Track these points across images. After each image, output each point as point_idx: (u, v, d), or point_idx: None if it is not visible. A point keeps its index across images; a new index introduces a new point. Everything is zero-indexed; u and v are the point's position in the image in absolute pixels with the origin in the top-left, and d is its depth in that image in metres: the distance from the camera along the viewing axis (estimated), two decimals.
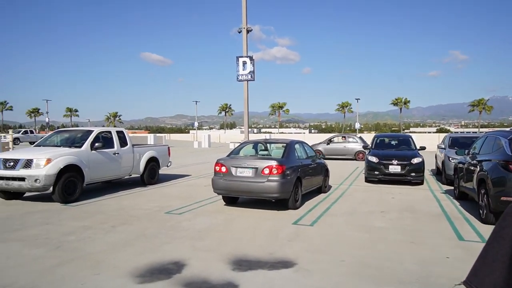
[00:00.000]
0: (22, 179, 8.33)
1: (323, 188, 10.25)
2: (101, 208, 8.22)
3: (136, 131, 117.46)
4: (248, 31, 15.16)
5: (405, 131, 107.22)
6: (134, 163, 11.14)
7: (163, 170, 13.19)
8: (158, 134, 47.03)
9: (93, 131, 10.12)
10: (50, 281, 4.22)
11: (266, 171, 7.54)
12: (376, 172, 11.85)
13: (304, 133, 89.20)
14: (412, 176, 11.51)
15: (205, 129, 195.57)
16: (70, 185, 8.80)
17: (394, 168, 11.57)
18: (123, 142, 10.80)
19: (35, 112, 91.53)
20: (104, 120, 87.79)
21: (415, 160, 11.57)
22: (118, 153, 10.44)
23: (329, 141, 21.61)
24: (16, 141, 34.55)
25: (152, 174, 11.84)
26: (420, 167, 11.55)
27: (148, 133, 76.25)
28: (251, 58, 14.97)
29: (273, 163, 7.59)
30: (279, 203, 8.19)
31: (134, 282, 4.19)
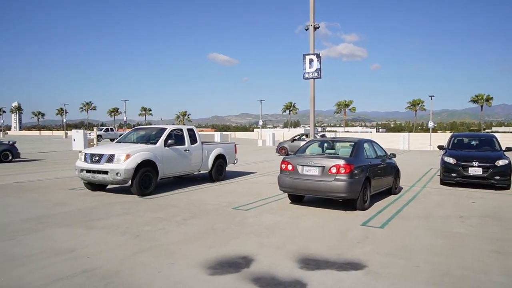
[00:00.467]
0: (105, 172, 9.12)
1: (393, 190, 9.76)
2: (173, 202, 8.69)
3: (203, 129, 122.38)
4: (315, 28, 14.94)
5: (486, 130, 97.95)
6: (203, 160, 11.61)
7: (229, 167, 13.57)
8: (224, 132, 48.53)
9: (166, 128, 10.74)
10: (131, 267, 4.57)
11: (334, 170, 7.38)
12: (454, 174, 10.98)
13: (371, 132, 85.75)
14: (496, 179, 10.47)
15: (269, 127, 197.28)
16: (146, 179, 9.45)
17: (475, 170, 10.61)
18: (193, 139, 11.30)
19: (115, 111, 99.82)
20: (175, 119, 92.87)
21: (500, 162, 10.49)
22: (188, 150, 10.97)
23: (293, 139, 23.92)
24: (99, 137, 37.90)
25: (219, 170, 12.24)
26: (506, 170, 10.45)
27: (215, 131, 79.12)
28: (318, 56, 14.74)
29: (341, 162, 7.41)
30: (347, 203, 7.97)
31: (205, 273, 4.37)
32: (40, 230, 6.21)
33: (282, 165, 8.20)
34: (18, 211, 7.68)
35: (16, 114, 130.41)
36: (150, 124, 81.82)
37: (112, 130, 53.16)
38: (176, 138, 10.64)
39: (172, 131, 10.75)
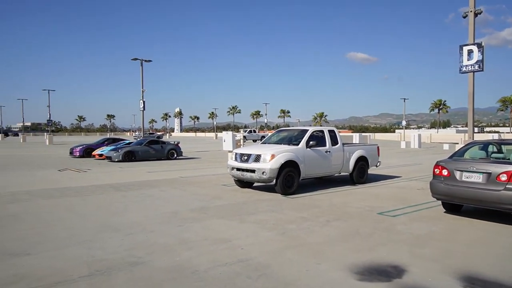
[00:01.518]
0: (253, 171, 9.85)
1: None
2: (315, 203, 8.81)
3: (340, 130, 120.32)
4: (476, 14, 13.00)
5: None
6: (344, 162, 11.42)
7: (371, 170, 13.00)
8: (363, 134, 46.74)
9: (308, 130, 10.96)
10: (281, 262, 4.82)
11: (503, 177, 6.29)
12: None
13: None
14: None
15: (413, 128, 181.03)
16: (289, 179, 9.83)
17: None
18: (334, 141, 11.24)
19: (257, 114, 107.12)
20: (312, 120, 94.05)
21: None
22: (329, 151, 10.95)
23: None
24: (244, 139, 41.21)
25: (361, 173, 11.85)
26: None
27: (352, 132, 76.90)
28: (479, 46, 12.77)
29: None
30: None
31: (354, 278, 4.28)
32: (202, 219, 7.11)
33: (436, 170, 7.41)
34: (184, 202, 8.96)
35: (178, 118, 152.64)
36: (288, 126, 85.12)
37: (254, 131, 57.16)
38: (317, 139, 10.76)
39: (313, 132, 10.91)
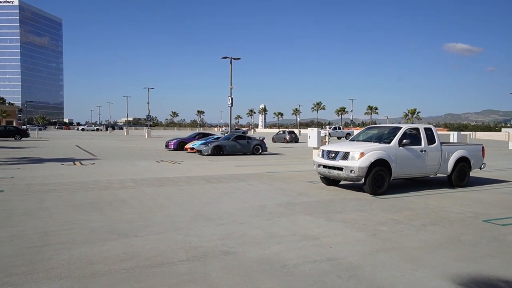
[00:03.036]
0: (340, 168, 9.61)
1: None
2: (407, 205, 8.27)
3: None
4: None
5: None
6: (441, 162, 10.50)
7: (473, 173, 11.76)
8: (462, 132, 42.40)
9: (401, 128, 10.31)
10: (373, 264, 4.63)
11: None
12: None
13: None
14: None
15: None
16: (378, 178, 9.38)
17: None
18: (430, 139, 10.41)
19: (342, 110, 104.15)
20: (402, 117, 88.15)
21: None
22: (425, 151, 10.17)
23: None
24: (328, 136, 40.45)
25: (461, 175, 10.78)
26: None
27: (448, 130, 70.26)
28: None
29: None
30: None
31: None
32: (289, 215, 7.18)
33: None
34: (271, 196, 9.14)
35: (262, 114, 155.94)
36: (375, 123, 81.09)
37: (339, 128, 55.75)
38: (411, 137, 10.07)
39: (407, 130, 10.24)
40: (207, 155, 21.11)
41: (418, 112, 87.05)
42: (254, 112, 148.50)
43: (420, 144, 10.19)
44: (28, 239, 5.45)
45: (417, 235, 5.92)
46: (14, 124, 60.93)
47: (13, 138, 37.63)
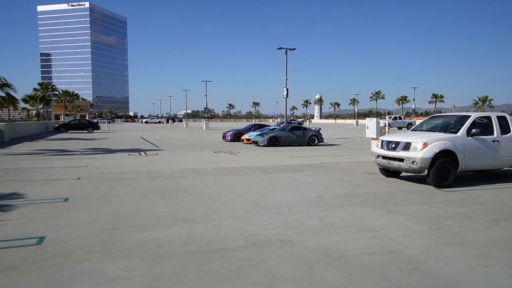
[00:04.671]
0: (401, 159, 9.22)
1: None
2: (477, 198, 7.73)
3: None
4: None
5: None
6: None
7: None
8: None
9: (469, 116, 9.61)
10: (437, 259, 4.43)
11: None
12: None
13: None
14: None
15: None
16: (444, 170, 8.86)
17: None
18: (505, 129, 9.58)
19: (403, 99, 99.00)
20: (471, 106, 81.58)
21: None
22: (497, 141, 9.39)
23: None
24: (388, 126, 38.80)
25: None
26: None
27: None
28: None
29: None
30: None
31: None
32: (347, 206, 7.07)
33: None
34: (328, 187, 9.05)
35: (318, 105, 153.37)
36: (440, 112, 75.87)
37: (400, 118, 53.20)
38: (482, 127, 9.35)
39: (476, 118, 9.51)
40: (262, 146, 21.34)
41: (490, 100, 79.99)
42: (310, 103, 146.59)
43: (492, 134, 9.43)
44: (103, 222, 5.98)
45: (488, 231, 5.54)
46: (87, 118, 66.28)
47: (86, 131, 41.06)
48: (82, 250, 4.69)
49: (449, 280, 3.87)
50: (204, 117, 71.20)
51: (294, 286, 3.73)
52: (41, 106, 49.51)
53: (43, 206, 7.01)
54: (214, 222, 6.00)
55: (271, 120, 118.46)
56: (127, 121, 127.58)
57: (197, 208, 6.90)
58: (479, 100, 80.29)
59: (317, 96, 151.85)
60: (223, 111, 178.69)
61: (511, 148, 9.56)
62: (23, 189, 8.71)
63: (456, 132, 9.28)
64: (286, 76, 31.54)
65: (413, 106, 70.65)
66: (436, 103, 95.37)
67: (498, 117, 9.74)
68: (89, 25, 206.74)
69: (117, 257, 4.48)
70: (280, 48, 31.67)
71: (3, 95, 32.14)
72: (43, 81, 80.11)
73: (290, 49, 31.77)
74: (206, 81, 62.55)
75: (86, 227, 5.68)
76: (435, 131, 9.96)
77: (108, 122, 78.59)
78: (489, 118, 9.67)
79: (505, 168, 10.28)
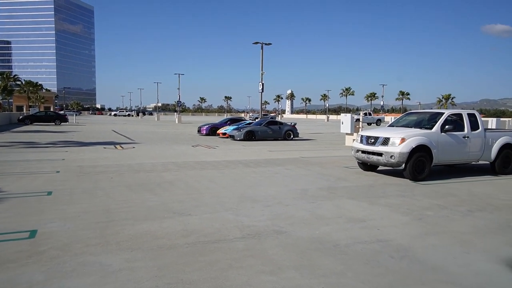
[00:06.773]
0: (380, 154, 9.63)
1: None
2: (450, 191, 8.23)
3: None
4: None
5: None
6: (485, 149, 10.30)
7: None
8: (501, 119, 40.63)
9: (443, 113, 10.16)
10: (423, 246, 4.75)
11: None
12: None
13: None
14: None
15: None
16: (419, 164, 9.35)
17: None
18: (474, 125, 10.20)
19: (372, 96, 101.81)
20: (435, 103, 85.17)
21: None
22: (468, 137, 10.00)
23: None
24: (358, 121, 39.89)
25: (505, 162, 10.54)
26: None
27: (483, 116, 67.30)
28: None
29: None
30: None
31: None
32: (332, 198, 7.34)
33: None
34: (311, 180, 9.31)
35: (290, 100, 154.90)
36: (406, 109, 78.77)
37: (370, 114, 54.82)
38: (454, 123, 9.92)
39: (449, 116, 10.08)
40: (239, 140, 21.44)
41: (452, 98, 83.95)
42: (281, 98, 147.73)
43: (463, 130, 10.02)
44: (94, 215, 5.91)
45: (465, 221, 5.95)
46: (52, 110, 63.64)
47: (53, 123, 39.49)
48: (79, 243, 4.65)
49: (437, 265, 4.18)
50: (176, 111, 70.19)
51: (297, 274, 3.91)
52: (1, 97, 47.06)
53: (27, 200, 6.82)
54: (206, 214, 6.08)
55: (243, 114, 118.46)
56: (95, 114, 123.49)
57: (186, 201, 6.93)
58: (442, 98, 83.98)
59: (289, 91, 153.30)
60: (194, 104, 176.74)
61: (479, 143, 10.20)
62: (1, 182, 8.39)
63: (431, 128, 9.79)
64: (262, 70, 31.69)
65: (382, 103, 72.87)
66: (402, 100, 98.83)
67: (468, 114, 10.35)
68: (53, 12, 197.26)
69: (116, 249, 4.48)
70: (256, 43, 31.75)
71: None
72: (2, 70, 75.99)
73: (266, 44, 31.91)
74: (179, 74, 61.61)
75: (77, 220, 5.61)
76: (411, 127, 10.45)
77: (76, 115, 75.84)
78: (460, 115, 10.26)
79: (472, 163, 10.94)
